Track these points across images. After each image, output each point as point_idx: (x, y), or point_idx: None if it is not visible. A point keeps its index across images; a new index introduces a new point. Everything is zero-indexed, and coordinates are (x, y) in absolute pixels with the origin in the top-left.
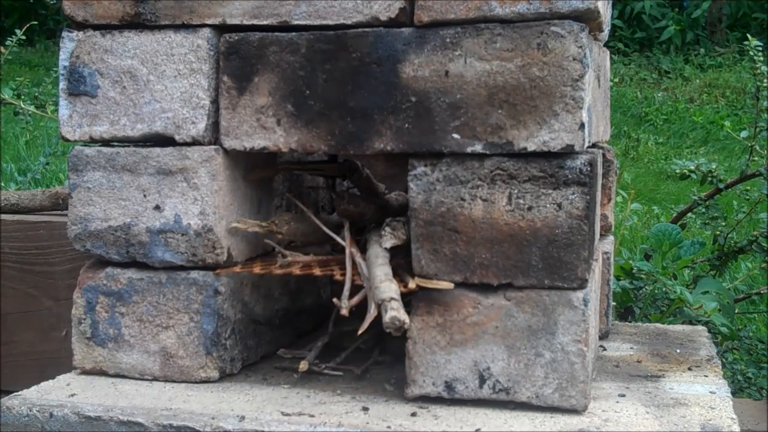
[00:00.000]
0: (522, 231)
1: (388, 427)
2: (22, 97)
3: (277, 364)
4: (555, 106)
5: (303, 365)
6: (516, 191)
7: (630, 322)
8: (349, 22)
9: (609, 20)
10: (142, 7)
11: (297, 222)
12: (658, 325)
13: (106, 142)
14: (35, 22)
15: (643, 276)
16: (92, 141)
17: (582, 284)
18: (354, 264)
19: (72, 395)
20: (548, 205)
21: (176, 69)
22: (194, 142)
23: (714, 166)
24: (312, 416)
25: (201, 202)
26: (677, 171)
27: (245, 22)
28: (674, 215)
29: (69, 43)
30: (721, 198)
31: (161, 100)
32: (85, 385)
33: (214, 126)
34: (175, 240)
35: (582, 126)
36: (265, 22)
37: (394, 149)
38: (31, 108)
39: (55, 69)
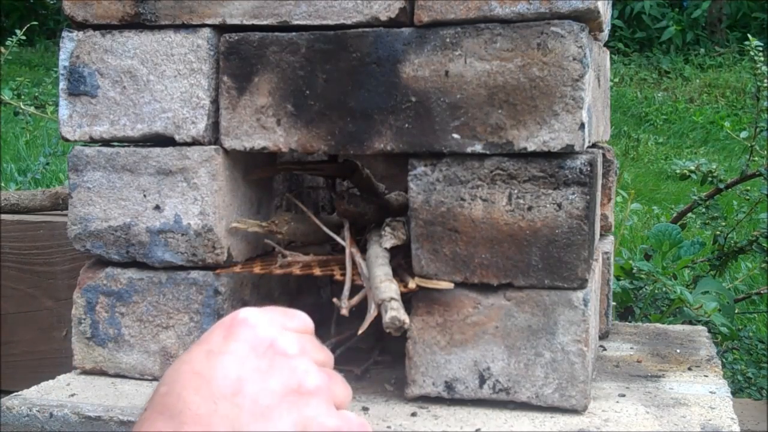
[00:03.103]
0: (522, 231)
1: (388, 427)
2: (22, 97)
3: None
4: (555, 106)
5: None
6: (516, 191)
7: (630, 322)
8: (349, 22)
9: (609, 20)
10: (142, 7)
11: (297, 222)
12: (658, 325)
13: (106, 142)
14: (35, 22)
15: (643, 276)
16: (92, 141)
17: (582, 284)
18: (354, 264)
19: (72, 395)
20: (548, 205)
21: (176, 69)
22: (194, 142)
23: (714, 166)
24: None
25: (201, 202)
26: (677, 171)
27: (245, 22)
28: (674, 215)
29: (69, 43)
30: (721, 198)
31: (161, 100)
32: (85, 385)
33: (214, 126)
34: (175, 240)
35: (582, 126)
36: (265, 22)
37: (394, 149)
38: (31, 108)
39: (55, 69)
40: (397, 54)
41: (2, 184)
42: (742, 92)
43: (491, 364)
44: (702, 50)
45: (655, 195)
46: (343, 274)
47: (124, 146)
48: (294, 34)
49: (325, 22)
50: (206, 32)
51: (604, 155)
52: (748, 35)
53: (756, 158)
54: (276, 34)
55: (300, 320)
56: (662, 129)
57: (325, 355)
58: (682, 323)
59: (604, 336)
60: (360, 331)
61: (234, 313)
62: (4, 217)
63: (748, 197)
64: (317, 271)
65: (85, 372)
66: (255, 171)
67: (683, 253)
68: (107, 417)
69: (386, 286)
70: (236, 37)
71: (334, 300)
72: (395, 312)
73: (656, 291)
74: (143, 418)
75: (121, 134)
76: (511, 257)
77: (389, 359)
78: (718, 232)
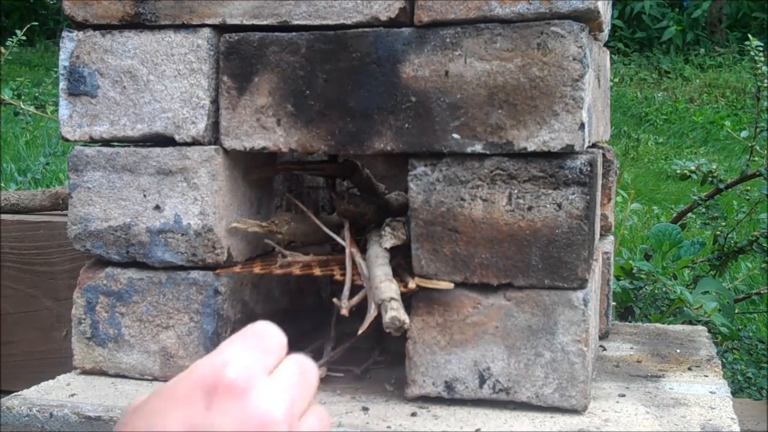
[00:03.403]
0: (522, 231)
1: (388, 427)
2: (22, 97)
3: None
4: (555, 106)
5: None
6: (516, 191)
7: (630, 322)
8: (349, 22)
9: (609, 20)
10: (142, 7)
11: (297, 222)
12: (658, 325)
13: (106, 142)
14: (35, 23)
15: (643, 276)
16: (92, 141)
17: (582, 284)
18: (354, 264)
19: (72, 395)
20: (548, 205)
21: (176, 69)
22: (194, 142)
23: (714, 166)
24: None
25: (201, 202)
26: (677, 171)
27: (245, 22)
28: (674, 215)
29: (69, 43)
30: (721, 198)
31: (161, 100)
32: (85, 385)
33: (214, 126)
34: (175, 240)
35: (582, 126)
36: (265, 22)
37: (394, 149)
38: (31, 108)
39: (55, 69)
40: (397, 54)
41: (2, 184)
42: (742, 92)
43: (491, 364)
44: (702, 50)
45: (655, 195)
46: (343, 274)
47: (124, 146)
48: (294, 34)
49: (325, 22)
50: (206, 32)
51: (604, 155)
52: (748, 35)
53: (756, 158)
54: (276, 34)
55: (276, 342)
56: (662, 129)
57: (309, 381)
58: (682, 323)
59: (604, 336)
60: (360, 331)
61: (217, 369)
62: (4, 217)
63: (748, 197)
64: (317, 271)
65: (85, 372)
66: (255, 171)
67: (683, 253)
68: (107, 417)
69: (386, 286)
70: (236, 37)
71: (334, 300)
72: (395, 312)
73: (656, 291)
74: None
75: (121, 134)
76: (511, 257)
77: (389, 359)
78: (718, 232)
